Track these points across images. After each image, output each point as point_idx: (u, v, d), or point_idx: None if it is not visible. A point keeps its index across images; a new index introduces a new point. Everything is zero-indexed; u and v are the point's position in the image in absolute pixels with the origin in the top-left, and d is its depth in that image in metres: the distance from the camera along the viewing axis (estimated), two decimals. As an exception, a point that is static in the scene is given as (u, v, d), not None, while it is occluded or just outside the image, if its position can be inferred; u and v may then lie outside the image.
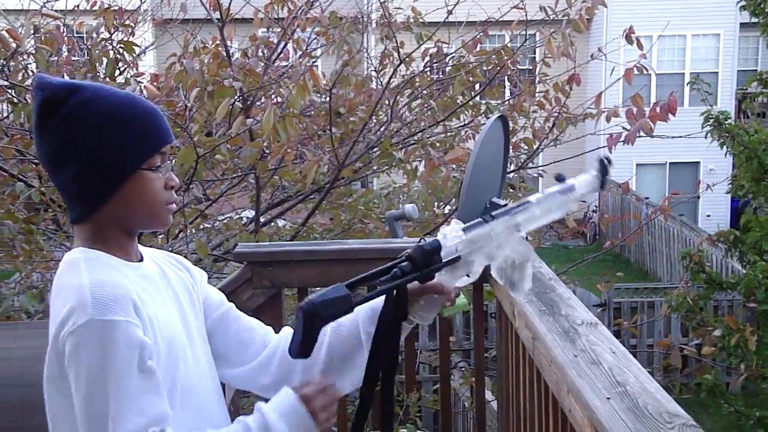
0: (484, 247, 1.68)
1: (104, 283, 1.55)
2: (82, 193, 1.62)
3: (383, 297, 1.67)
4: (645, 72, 5.62)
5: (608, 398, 1.67)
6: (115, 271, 1.61)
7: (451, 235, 1.65)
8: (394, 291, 1.65)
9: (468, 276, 1.72)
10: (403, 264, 1.60)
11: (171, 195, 1.70)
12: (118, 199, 1.63)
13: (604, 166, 1.73)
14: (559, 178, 1.79)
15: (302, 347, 1.55)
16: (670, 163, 20.41)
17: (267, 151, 4.80)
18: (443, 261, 1.64)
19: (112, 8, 5.09)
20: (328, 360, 1.82)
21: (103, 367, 1.49)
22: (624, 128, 5.17)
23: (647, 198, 17.55)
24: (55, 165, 1.63)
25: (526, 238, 1.80)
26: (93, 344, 1.49)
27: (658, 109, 4.97)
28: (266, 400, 1.66)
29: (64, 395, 1.56)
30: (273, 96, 5.13)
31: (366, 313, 1.79)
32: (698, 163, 20.07)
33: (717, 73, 20.43)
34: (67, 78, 3.52)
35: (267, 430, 1.59)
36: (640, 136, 5.06)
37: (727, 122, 8.35)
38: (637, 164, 19.64)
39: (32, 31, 5.03)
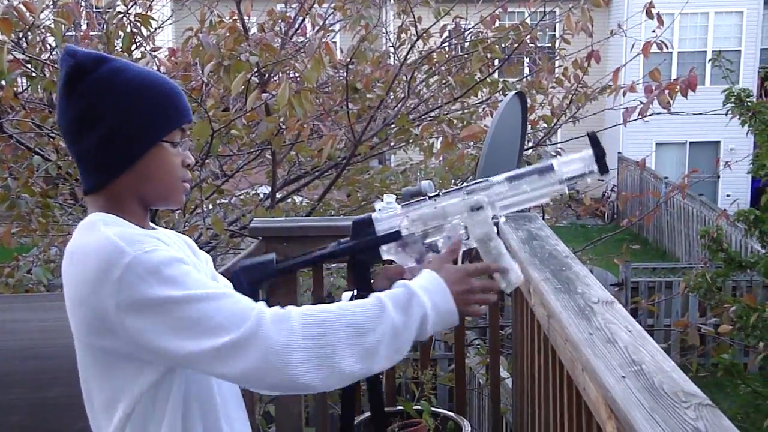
0: (442, 227, 1.71)
1: (128, 232, 1.56)
2: (102, 160, 1.63)
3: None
4: (665, 49, 5.55)
5: (623, 377, 1.65)
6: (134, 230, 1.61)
7: (385, 210, 1.67)
8: (353, 266, 1.79)
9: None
10: (344, 239, 1.73)
11: (186, 173, 1.72)
12: (137, 169, 1.64)
13: (594, 140, 1.68)
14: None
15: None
16: (690, 142, 20.26)
17: (283, 127, 4.79)
18: (380, 235, 1.71)
19: (128, -19, 5.07)
20: None
21: (170, 286, 1.48)
22: (642, 103, 5.13)
23: (666, 177, 17.44)
24: (80, 128, 1.63)
25: (543, 216, 1.79)
26: (150, 274, 1.48)
27: (678, 84, 4.93)
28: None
29: (98, 357, 1.56)
30: (289, 71, 5.10)
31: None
32: (719, 142, 19.90)
33: (740, 51, 20.20)
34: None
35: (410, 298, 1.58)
36: (658, 113, 5.01)
37: (748, 100, 8.23)
38: (656, 143, 19.52)
39: (50, 4, 5.02)
